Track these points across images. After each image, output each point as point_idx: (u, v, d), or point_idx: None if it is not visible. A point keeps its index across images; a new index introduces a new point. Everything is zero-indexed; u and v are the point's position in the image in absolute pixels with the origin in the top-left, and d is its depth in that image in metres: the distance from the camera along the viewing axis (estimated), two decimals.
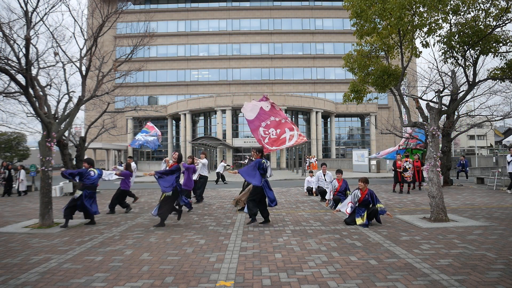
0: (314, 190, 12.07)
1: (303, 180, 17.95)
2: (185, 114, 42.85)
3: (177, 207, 7.76)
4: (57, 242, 5.97)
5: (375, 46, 8.52)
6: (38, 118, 7.66)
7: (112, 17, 9.98)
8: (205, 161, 11.04)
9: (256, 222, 7.18)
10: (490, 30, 7.21)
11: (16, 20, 8.36)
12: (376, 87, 8.68)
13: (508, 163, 12.20)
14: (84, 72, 9.54)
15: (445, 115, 12.98)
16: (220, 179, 19.78)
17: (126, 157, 49.13)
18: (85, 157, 15.02)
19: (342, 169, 10.14)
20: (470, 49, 7.65)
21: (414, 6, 6.86)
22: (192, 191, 10.22)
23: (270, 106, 8.73)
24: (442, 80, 13.43)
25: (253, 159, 7.56)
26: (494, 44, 7.33)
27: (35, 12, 7.50)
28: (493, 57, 7.49)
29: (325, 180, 11.04)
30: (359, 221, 6.93)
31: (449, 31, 7.54)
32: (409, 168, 12.68)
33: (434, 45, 7.57)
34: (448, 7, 7.00)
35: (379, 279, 3.93)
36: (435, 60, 12.18)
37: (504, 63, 7.56)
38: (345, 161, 39.93)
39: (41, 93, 8.53)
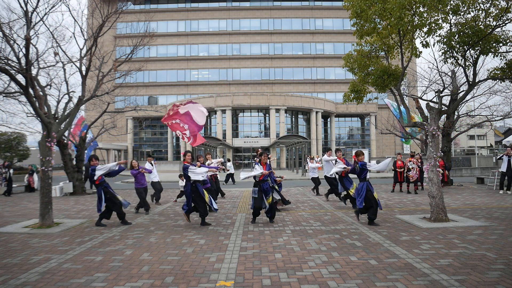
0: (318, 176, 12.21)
1: (303, 180, 17.94)
2: None
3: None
4: (57, 242, 5.98)
5: (375, 46, 8.51)
6: (38, 118, 7.67)
7: (112, 17, 9.99)
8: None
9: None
10: (490, 30, 7.20)
11: (16, 20, 8.38)
12: (376, 87, 8.67)
13: (499, 158, 12.45)
14: (84, 72, 9.55)
15: (445, 115, 12.97)
16: (230, 180, 19.65)
17: (126, 157, 49.15)
18: (85, 157, 15.15)
19: None
20: (470, 49, 7.64)
21: (414, 6, 6.85)
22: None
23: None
24: (442, 80, 13.43)
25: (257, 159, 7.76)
26: (494, 44, 7.32)
27: (35, 12, 7.51)
28: (493, 57, 7.48)
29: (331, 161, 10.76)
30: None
31: (449, 31, 7.53)
32: (412, 168, 12.65)
33: (434, 45, 7.56)
34: (448, 7, 7.00)
35: (379, 279, 3.93)
36: (435, 60, 12.14)
37: (504, 63, 7.56)
38: None
39: (41, 93, 8.55)
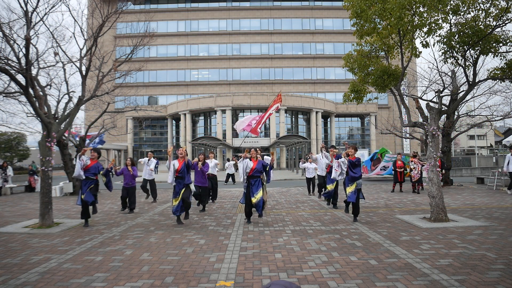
0: (315, 175, 12.23)
1: (303, 180, 17.91)
2: (185, 114, 42.84)
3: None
4: (57, 242, 5.98)
5: (375, 46, 8.51)
6: (38, 118, 7.66)
7: (112, 17, 9.96)
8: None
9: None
10: (490, 30, 7.20)
11: (16, 20, 8.36)
12: (376, 87, 8.67)
13: (508, 163, 12.24)
14: (84, 72, 9.53)
15: (445, 115, 12.97)
16: (230, 179, 19.66)
17: (126, 157, 49.12)
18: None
19: None
20: (470, 49, 7.64)
21: (414, 6, 6.85)
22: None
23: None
24: (442, 80, 13.43)
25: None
26: (494, 44, 7.32)
27: (35, 12, 7.49)
28: (493, 57, 7.48)
29: (322, 158, 10.66)
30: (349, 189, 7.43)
31: (449, 31, 7.53)
32: (414, 168, 12.65)
33: (434, 45, 7.56)
34: (448, 7, 6.99)
35: (379, 279, 3.93)
36: (435, 60, 12.15)
37: (504, 63, 7.56)
38: None
39: (41, 93, 8.54)
